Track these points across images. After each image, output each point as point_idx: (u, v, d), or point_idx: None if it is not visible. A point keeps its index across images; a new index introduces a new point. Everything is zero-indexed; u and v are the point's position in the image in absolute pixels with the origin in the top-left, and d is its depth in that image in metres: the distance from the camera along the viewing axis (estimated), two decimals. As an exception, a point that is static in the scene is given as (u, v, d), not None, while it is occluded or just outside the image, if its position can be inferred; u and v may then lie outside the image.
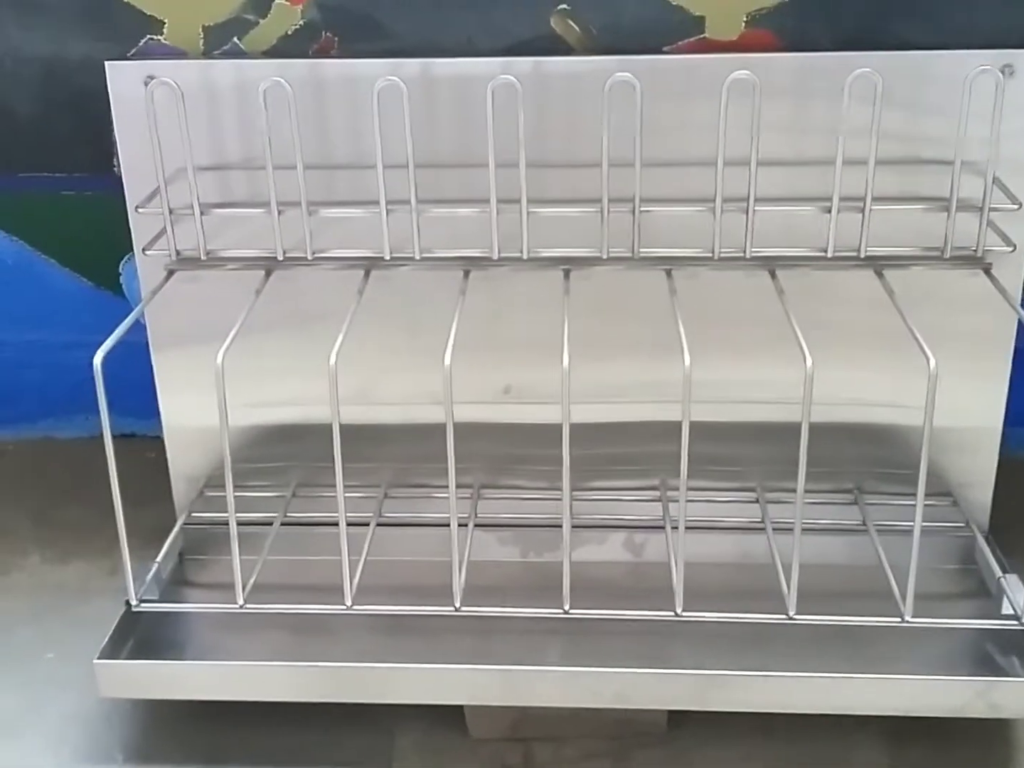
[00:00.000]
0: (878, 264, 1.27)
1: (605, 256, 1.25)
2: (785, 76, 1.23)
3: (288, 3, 1.27)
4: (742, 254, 1.24)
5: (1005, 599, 1.28)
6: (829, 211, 1.21)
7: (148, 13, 1.28)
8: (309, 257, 1.27)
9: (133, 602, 1.26)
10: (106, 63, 1.26)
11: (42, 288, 1.56)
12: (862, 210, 1.21)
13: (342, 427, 1.44)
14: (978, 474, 1.41)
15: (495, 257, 1.25)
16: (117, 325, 1.54)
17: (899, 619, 1.20)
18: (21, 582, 1.52)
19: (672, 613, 1.22)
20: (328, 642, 1.30)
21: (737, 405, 1.40)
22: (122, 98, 1.28)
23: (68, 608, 1.46)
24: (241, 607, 1.24)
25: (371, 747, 1.28)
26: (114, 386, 1.66)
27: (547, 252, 1.27)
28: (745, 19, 1.24)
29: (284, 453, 1.47)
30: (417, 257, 1.26)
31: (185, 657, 1.30)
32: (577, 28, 1.26)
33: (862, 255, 1.24)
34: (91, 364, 1.63)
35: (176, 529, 1.43)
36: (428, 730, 1.29)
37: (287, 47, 1.29)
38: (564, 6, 1.25)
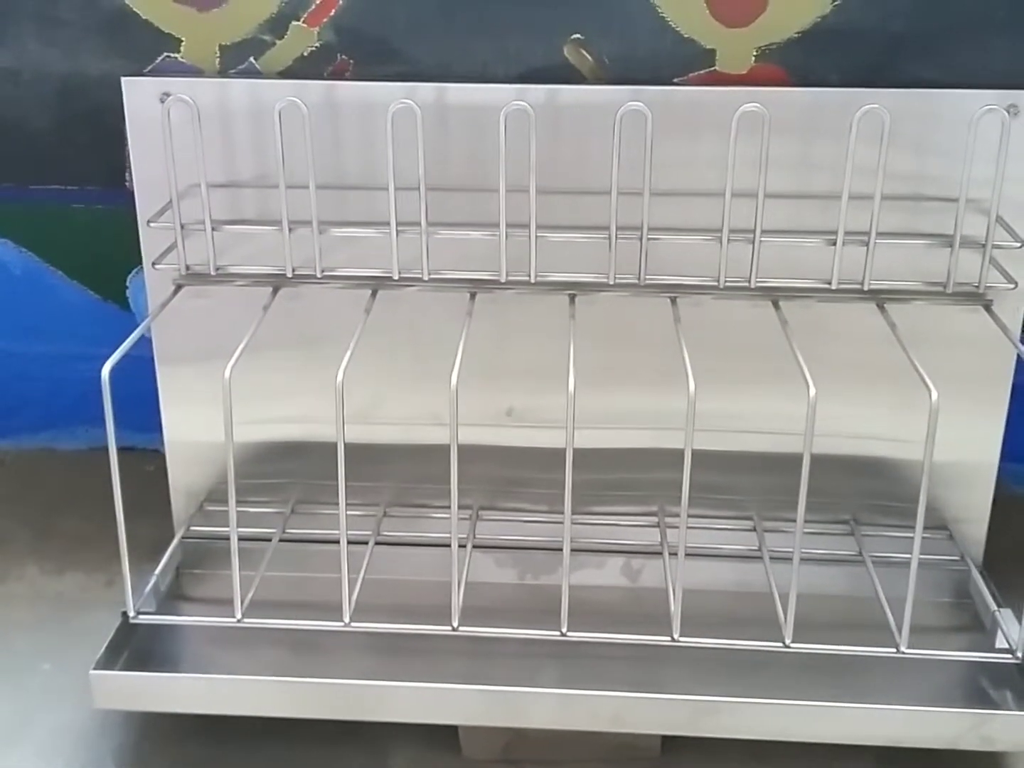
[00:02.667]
0: (880, 297, 1.28)
1: (612, 282, 1.27)
2: (793, 110, 1.24)
3: (305, 25, 1.28)
4: (747, 283, 1.25)
5: (999, 633, 1.29)
6: (834, 244, 1.23)
7: (166, 31, 1.29)
8: (318, 275, 1.28)
9: (131, 614, 1.26)
10: (122, 79, 1.28)
11: (49, 300, 1.56)
12: (867, 243, 1.22)
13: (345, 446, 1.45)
14: (973, 509, 1.42)
15: (503, 280, 1.27)
16: (122, 338, 1.55)
17: (894, 650, 1.20)
18: (18, 592, 1.52)
19: (669, 638, 1.22)
20: (324, 660, 1.30)
21: (735, 435, 1.41)
22: (137, 114, 1.29)
23: (65, 619, 1.46)
24: (239, 621, 1.24)
25: (365, 765, 1.28)
26: (115, 399, 1.66)
27: (554, 276, 1.28)
28: (755, 54, 1.26)
29: (283, 470, 1.48)
30: (426, 278, 1.27)
31: (180, 670, 1.30)
32: (590, 58, 1.28)
33: (865, 288, 1.25)
34: (94, 377, 1.63)
35: (174, 543, 1.43)
36: (422, 750, 1.29)
37: (302, 68, 1.30)
38: (578, 36, 1.27)
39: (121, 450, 1.73)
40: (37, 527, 1.63)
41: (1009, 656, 1.24)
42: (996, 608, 1.32)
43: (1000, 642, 1.29)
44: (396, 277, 1.28)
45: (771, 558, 1.37)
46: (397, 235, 1.24)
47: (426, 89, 1.26)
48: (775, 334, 1.25)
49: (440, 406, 1.44)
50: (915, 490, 1.41)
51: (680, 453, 1.41)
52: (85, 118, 1.38)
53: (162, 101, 1.26)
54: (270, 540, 1.41)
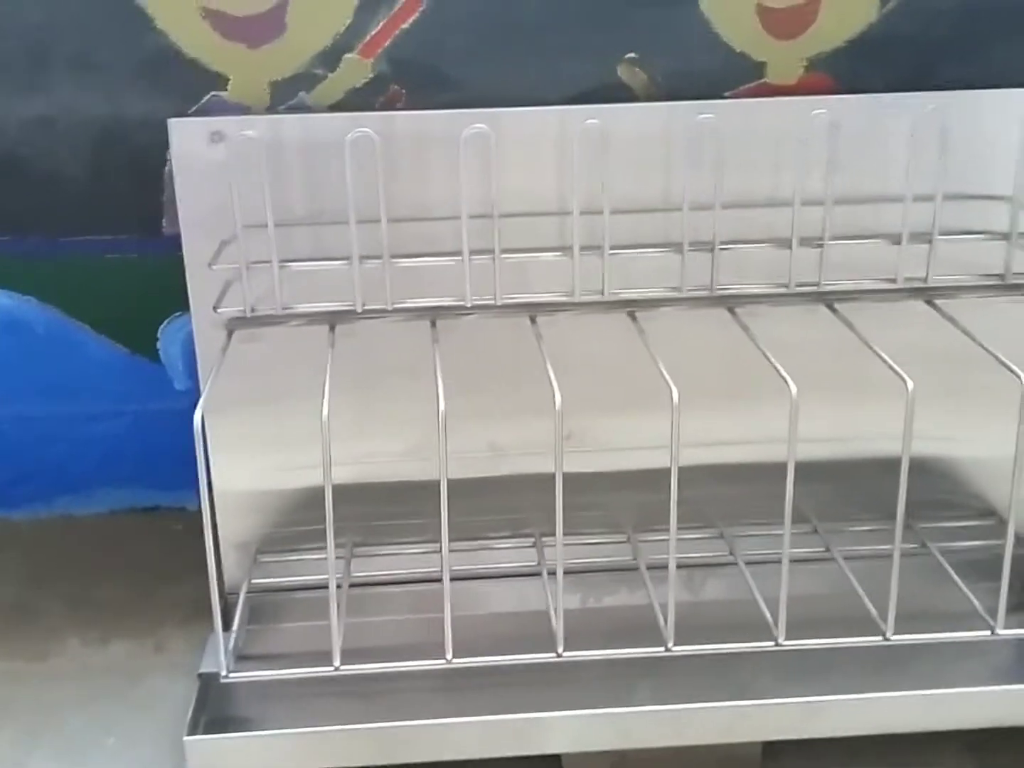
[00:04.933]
0: (928, 294, 1.32)
1: (683, 295, 1.28)
2: (842, 116, 1.27)
3: (359, 57, 1.26)
4: (815, 287, 1.28)
5: (1077, 609, 1.34)
6: (897, 244, 1.26)
7: (213, 69, 1.26)
8: (390, 308, 1.26)
9: (223, 673, 1.20)
10: (169, 120, 1.23)
11: (73, 357, 1.47)
12: (929, 241, 1.26)
13: (401, 484, 1.43)
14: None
15: (576, 300, 1.27)
16: (152, 393, 1.50)
17: (989, 632, 1.23)
18: (63, 667, 1.43)
19: (773, 643, 1.23)
20: (417, 703, 1.25)
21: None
22: (184, 156, 1.25)
23: (118, 690, 1.38)
24: (336, 669, 1.20)
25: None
26: (135, 459, 1.61)
27: (624, 293, 1.29)
28: (804, 64, 1.29)
29: (339, 514, 1.43)
30: (498, 303, 1.26)
31: (271, 728, 1.25)
32: (644, 75, 1.29)
33: (928, 283, 1.29)
34: (119, 435, 1.58)
35: (242, 598, 1.36)
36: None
37: (353, 100, 1.27)
38: (632, 55, 1.28)
39: (144, 511, 1.67)
40: (70, 598, 1.54)
41: (1093, 631, 1.28)
42: (1073, 585, 1.36)
43: (1076, 618, 1.34)
44: (469, 305, 1.26)
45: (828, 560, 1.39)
46: (470, 260, 1.23)
47: (482, 115, 1.25)
48: (828, 342, 1.29)
49: (497, 435, 1.43)
50: (964, 483, 1.47)
51: (739, 467, 1.44)
52: (121, 164, 1.32)
53: (214, 141, 1.23)
54: (339, 587, 1.35)
